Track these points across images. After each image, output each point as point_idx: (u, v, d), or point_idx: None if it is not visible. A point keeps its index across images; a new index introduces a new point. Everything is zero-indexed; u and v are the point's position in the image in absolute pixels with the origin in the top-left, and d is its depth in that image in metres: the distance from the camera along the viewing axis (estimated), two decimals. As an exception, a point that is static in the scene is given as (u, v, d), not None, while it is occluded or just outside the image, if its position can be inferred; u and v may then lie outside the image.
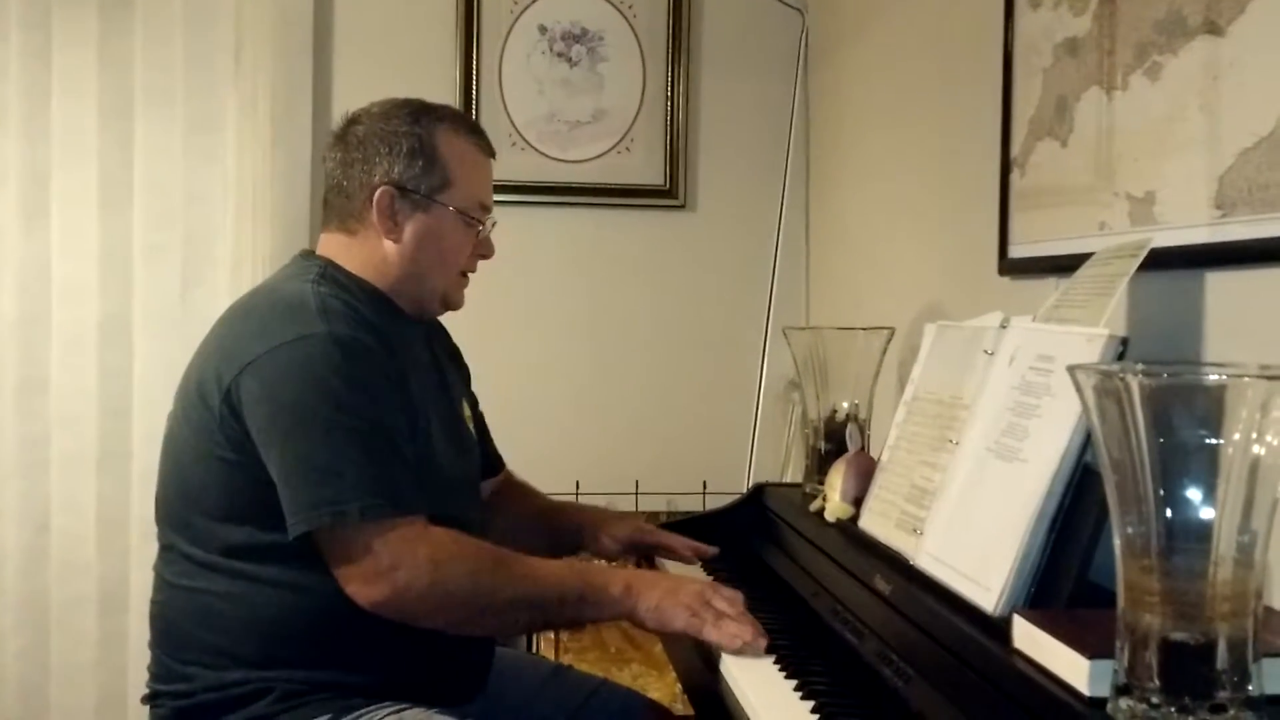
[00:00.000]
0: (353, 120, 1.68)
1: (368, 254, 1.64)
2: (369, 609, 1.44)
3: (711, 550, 1.89)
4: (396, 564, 1.43)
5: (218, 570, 1.52)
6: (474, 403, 1.87)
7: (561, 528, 1.92)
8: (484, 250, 1.72)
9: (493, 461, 1.91)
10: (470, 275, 1.73)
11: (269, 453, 1.46)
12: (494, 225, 1.73)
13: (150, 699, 1.59)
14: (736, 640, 1.44)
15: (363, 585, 1.44)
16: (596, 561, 1.96)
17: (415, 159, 1.62)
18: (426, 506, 1.50)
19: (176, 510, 1.57)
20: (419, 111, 1.66)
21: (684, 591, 1.50)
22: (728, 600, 1.50)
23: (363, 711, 1.48)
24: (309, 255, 1.69)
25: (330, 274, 1.61)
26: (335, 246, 1.66)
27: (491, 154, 1.73)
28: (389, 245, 1.63)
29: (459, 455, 1.67)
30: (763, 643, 1.44)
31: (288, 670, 1.49)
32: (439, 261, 1.66)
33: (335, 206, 1.67)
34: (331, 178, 1.67)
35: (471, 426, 1.79)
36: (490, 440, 1.92)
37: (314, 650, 1.50)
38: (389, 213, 1.62)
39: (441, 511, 1.52)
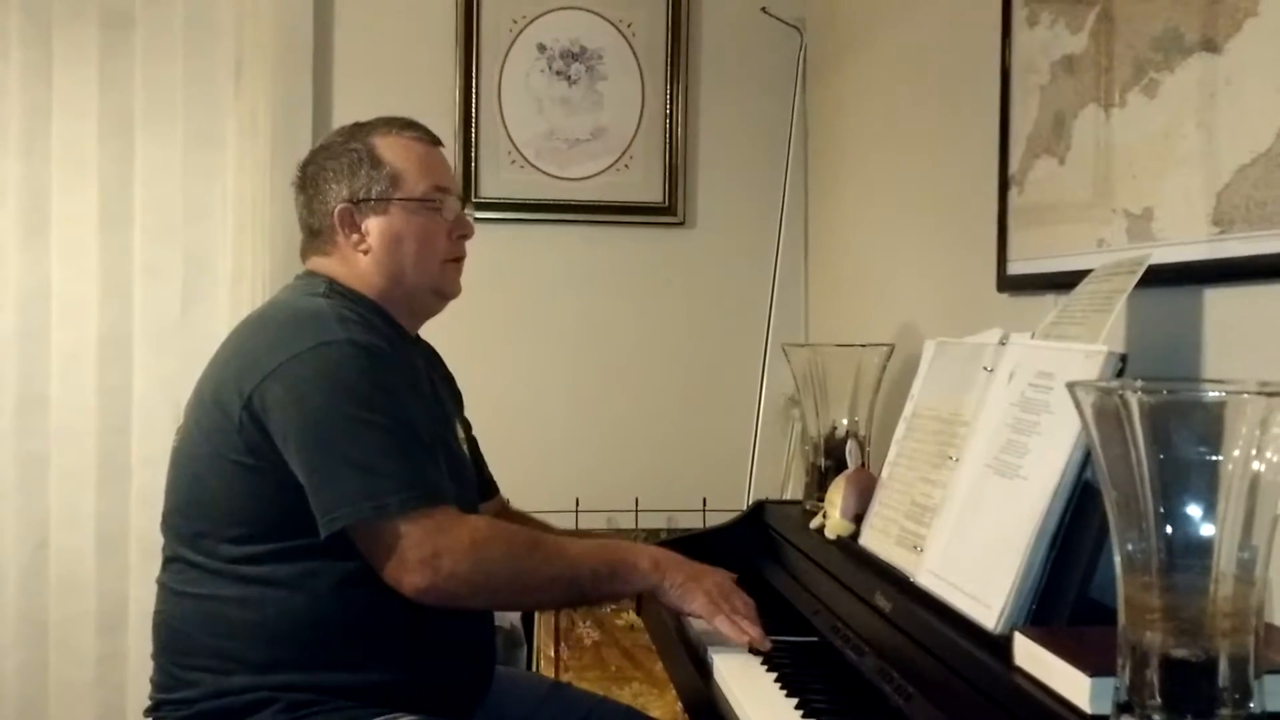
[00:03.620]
0: (304, 164, 1.75)
1: (350, 271, 1.68)
2: (413, 597, 1.48)
3: None
4: (439, 551, 1.47)
5: (227, 576, 1.54)
6: (467, 426, 1.88)
7: None
8: (461, 229, 1.75)
9: (486, 485, 1.91)
10: (461, 263, 1.75)
11: (297, 456, 1.48)
12: (465, 207, 1.76)
13: (153, 710, 1.60)
14: (744, 636, 1.51)
15: (407, 574, 1.47)
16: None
17: (359, 170, 1.68)
18: (456, 498, 1.54)
19: (186, 520, 1.59)
20: (352, 130, 1.73)
21: (708, 579, 1.59)
22: (744, 603, 1.58)
23: None
24: (312, 274, 1.71)
25: (337, 289, 1.65)
26: (323, 267, 1.70)
27: (435, 142, 1.76)
28: (363, 258, 1.68)
29: (455, 473, 1.68)
30: (768, 645, 1.51)
31: (293, 675, 1.51)
32: (416, 255, 1.68)
33: (309, 243, 1.74)
34: (301, 221, 1.75)
35: (465, 449, 1.80)
36: (484, 463, 1.93)
37: (320, 654, 1.52)
38: (352, 226, 1.67)
39: None
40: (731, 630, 1.52)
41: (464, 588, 1.50)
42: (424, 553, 1.47)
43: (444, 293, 1.73)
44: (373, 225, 1.67)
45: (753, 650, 1.51)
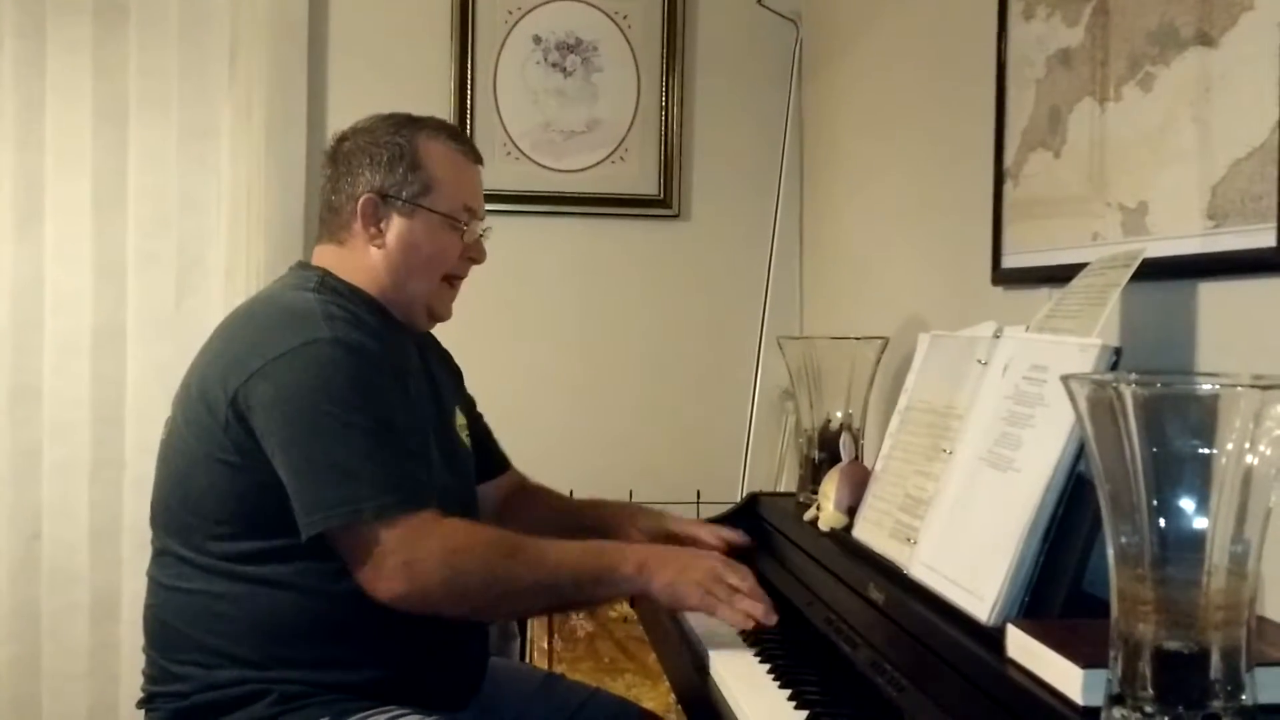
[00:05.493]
0: (341, 138, 1.72)
1: (357, 262, 1.66)
2: (388, 604, 1.47)
3: (740, 539, 1.83)
4: (413, 558, 1.46)
5: (216, 572, 1.53)
6: (471, 405, 1.87)
7: (587, 525, 1.86)
8: (474, 254, 1.74)
9: (498, 462, 1.91)
10: (459, 284, 1.75)
11: (280, 455, 1.47)
12: (487, 231, 1.74)
13: (145, 702, 1.60)
14: (749, 621, 1.48)
15: (381, 581, 1.46)
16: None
17: (397, 166, 1.65)
18: (452, 489, 1.53)
19: (174, 515, 1.58)
20: (402, 122, 1.70)
21: (696, 569, 1.53)
22: (739, 575, 1.53)
23: (361, 716, 1.49)
24: (305, 266, 1.70)
25: (329, 283, 1.64)
26: (328, 257, 1.69)
27: (478, 160, 1.75)
28: (375, 252, 1.66)
29: (451, 465, 1.68)
30: (774, 618, 1.48)
31: (286, 670, 1.50)
32: (423, 266, 1.67)
33: (326, 221, 1.71)
34: (323, 195, 1.72)
35: (465, 435, 1.79)
36: (493, 442, 1.92)
37: (312, 650, 1.51)
38: (373, 219, 1.66)
39: None
40: (734, 617, 1.49)
41: (439, 595, 1.47)
42: (398, 559, 1.45)
43: (435, 312, 1.72)
44: (394, 225, 1.65)
45: (755, 630, 1.50)
